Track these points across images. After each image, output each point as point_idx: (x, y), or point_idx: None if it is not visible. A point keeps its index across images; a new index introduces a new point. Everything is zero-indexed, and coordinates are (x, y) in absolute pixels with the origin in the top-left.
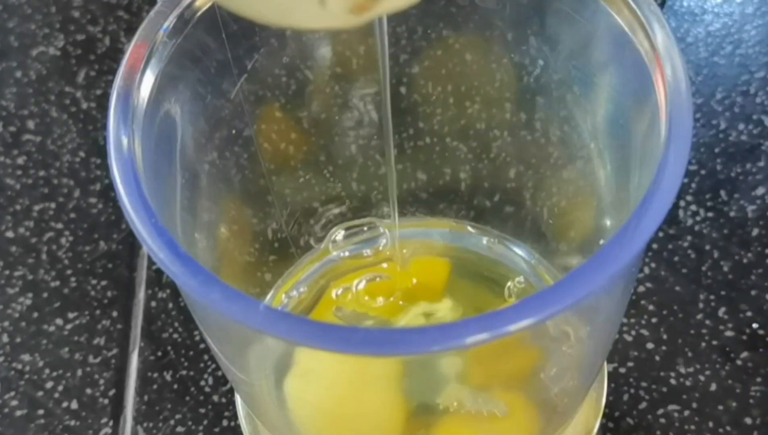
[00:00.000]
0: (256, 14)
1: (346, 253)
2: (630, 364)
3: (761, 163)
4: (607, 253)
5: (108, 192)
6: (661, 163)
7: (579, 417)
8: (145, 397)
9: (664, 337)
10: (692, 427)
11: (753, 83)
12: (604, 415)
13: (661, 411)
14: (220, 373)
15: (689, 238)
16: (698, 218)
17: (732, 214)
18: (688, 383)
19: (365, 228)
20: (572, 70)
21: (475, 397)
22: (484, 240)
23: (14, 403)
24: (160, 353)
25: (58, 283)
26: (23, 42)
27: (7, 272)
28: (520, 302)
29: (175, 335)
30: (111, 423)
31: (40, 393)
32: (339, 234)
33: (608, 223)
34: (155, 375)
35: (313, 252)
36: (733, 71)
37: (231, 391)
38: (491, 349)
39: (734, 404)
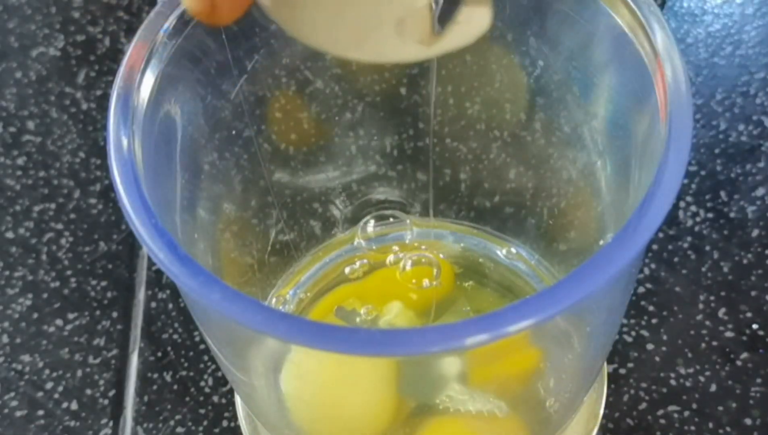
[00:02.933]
0: (326, 44)
1: (373, 246)
2: (630, 364)
3: (761, 164)
4: (607, 254)
5: (108, 192)
6: (661, 163)
7: (579, 417)
8: (145, 398)
9: (664, 337)
10: (692, 427)
11: (753, 84)
12: (604, 416)
13: (661, 412)
14: (220, 374)
15: (689, 238)
16: (698, 219)
17: (732, 214)
18: (688, 384)
19: (390, 219)
20: (572, 70)
21: (476, 397)
22: (504, 250)
23: (14, 403)
24: (160, 354)
25: (58, 283)
26: (23, 43)
27: (7, 273)
28: (520, 302)
29: (175, 336)
30: (111, 423)
31: (40, 394)
32: (369, 224)
33: (608, 223)
34: (155, 376)
35: (314, 252)
36: (733, 72)
37: (231, 391)
38: (491, 349)
39: (734, 405)
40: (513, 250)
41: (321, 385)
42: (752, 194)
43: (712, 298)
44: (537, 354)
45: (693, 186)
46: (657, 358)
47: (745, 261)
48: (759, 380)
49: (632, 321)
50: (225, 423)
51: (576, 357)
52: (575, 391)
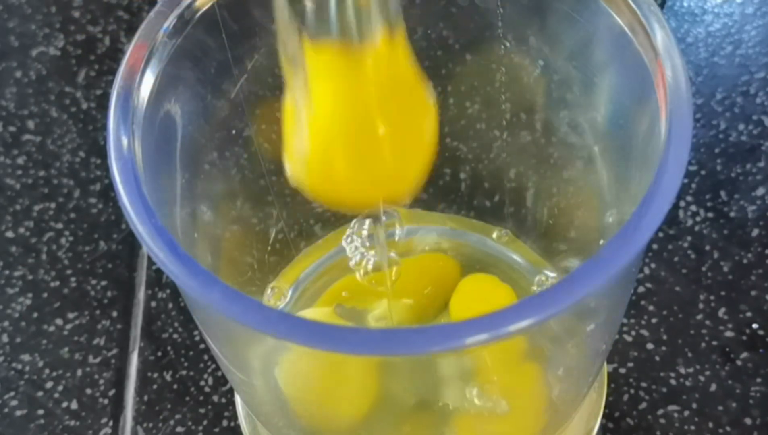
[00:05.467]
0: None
1: (367, 243)
2: (630, 364)
3: (761, 164)
4: (607, 254)
5: (108, 192)
6: (661, 163)
7: (579, 417)
8: (145, 397)
9: (664, 337)
10: (692, 427)
11: (753, 84)
12: (604, 416)
13: (661, 411)
14: (220, 373)
15: (689, 238)
16: (698, 218)
17: (732, 214)
18: (688, 383)
19: (384, 217)
20: (572, 70)
21: (475, 396)
22: (494, 234)
23: (14, 403)
24: (160, 353)
25: (58, 283)
26: (23, 42)
27: (7, 272)
28: (520, 302)
29: (175, 335)
30: (111, 423)
31: (40, 393)
32: (363, 223)
33: (608, 223)
34: (155, 375)
35: (314, 250)
36: (733, 72)
37: (231, 391)
38: (492, 349)
39: (734, 405)
40: (504, 232)
41: (318, 384)
42: (752, 194)
43: (712, 297)
44: (537, 353)
45: (693, 185)
46: (657, 358)
47: (745, 261)
48: (759, 380)
49: (632, 320)
50: (225, 422)
51: (576, 356)
52: (575, 390)
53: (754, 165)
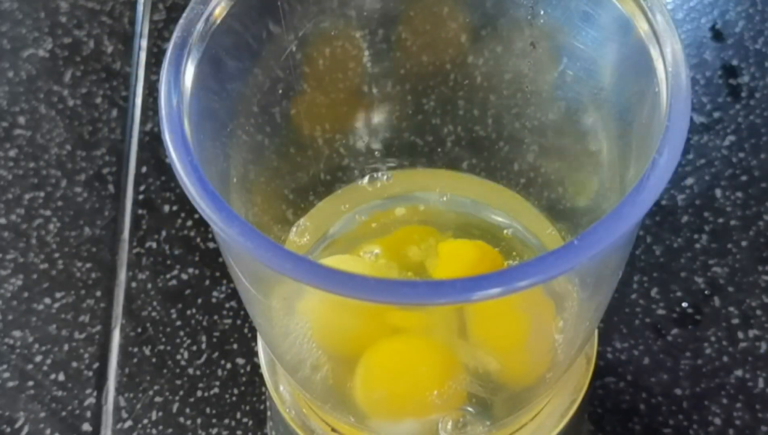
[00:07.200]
0: None
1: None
2: None
3: (690, 156)
4: (614, 217)
5: (92, 182)
6: (661, 141)
7: (570, 373)
8: (126, 370)
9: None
10: (627, 397)
11: None
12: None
13: (598, 383)
14: (194, 348)
15: None
16: None
17: (663, 202)
18: (623, 357)
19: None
20: (575, 52)
21: (470, 351)
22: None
23: (6, 375)
24: (139, 330)
25: (46, 265)
26: (15, 45)
27: (0, 256)
28: (533, 260)
29: (154, 313)
30: (95, 393)
31: (30, 366)
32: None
33: (609, 200)
34: (135, 350)
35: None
36: None
37: (205, 364)
38: (495, 304)
39: (665, 376)
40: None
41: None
42: (681, 184)
43: (645, 278)
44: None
45: None
46: (595, 333)
47: (675, 245)
48: (688, 354)
49: None
50: (199, 393)
51: (574, 315)
52: (568, 351)
53: (683, 157)
